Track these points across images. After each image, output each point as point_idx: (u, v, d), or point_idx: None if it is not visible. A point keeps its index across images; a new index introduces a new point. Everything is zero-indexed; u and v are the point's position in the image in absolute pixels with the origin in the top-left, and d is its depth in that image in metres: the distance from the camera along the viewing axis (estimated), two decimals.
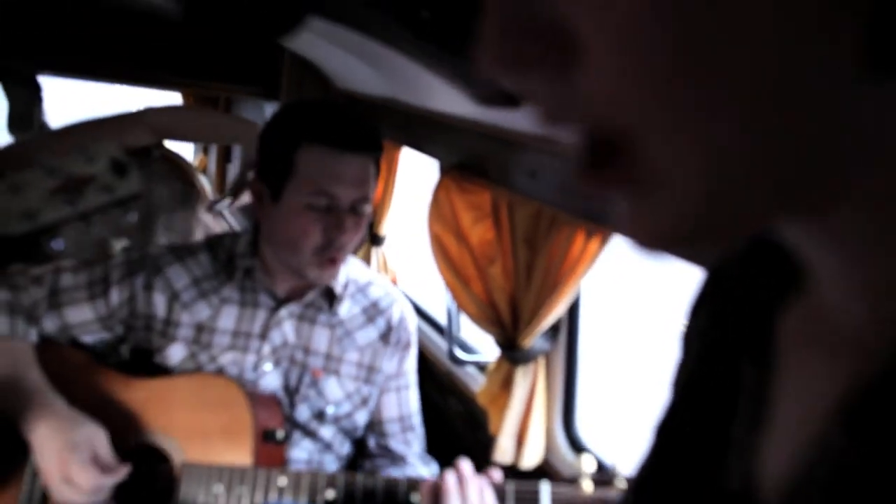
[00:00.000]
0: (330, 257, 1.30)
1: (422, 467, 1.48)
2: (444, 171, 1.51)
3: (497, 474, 1.16)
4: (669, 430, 0.48)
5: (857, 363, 0.32)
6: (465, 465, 1.15)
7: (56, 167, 1.69)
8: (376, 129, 1.32)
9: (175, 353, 1.37)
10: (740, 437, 0.40)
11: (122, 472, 1.20)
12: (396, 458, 1.47)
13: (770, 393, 0.39)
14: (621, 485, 1.13)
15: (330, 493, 1.20)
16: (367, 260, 2.19)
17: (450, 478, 1.13)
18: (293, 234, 1.29)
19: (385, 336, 1.46)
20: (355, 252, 1.64)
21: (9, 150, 1.76)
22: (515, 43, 0.30)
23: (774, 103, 0.26)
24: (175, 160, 1.97)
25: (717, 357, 0.44)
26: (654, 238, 0.31)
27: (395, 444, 1.48)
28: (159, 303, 1.38)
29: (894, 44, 0.24)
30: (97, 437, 1.21)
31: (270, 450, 1.31)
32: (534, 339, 1.37)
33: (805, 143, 0.27)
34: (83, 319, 1.37)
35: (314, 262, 1.31)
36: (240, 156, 2.50)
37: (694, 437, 0.45)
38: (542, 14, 0.29)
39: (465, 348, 1.81)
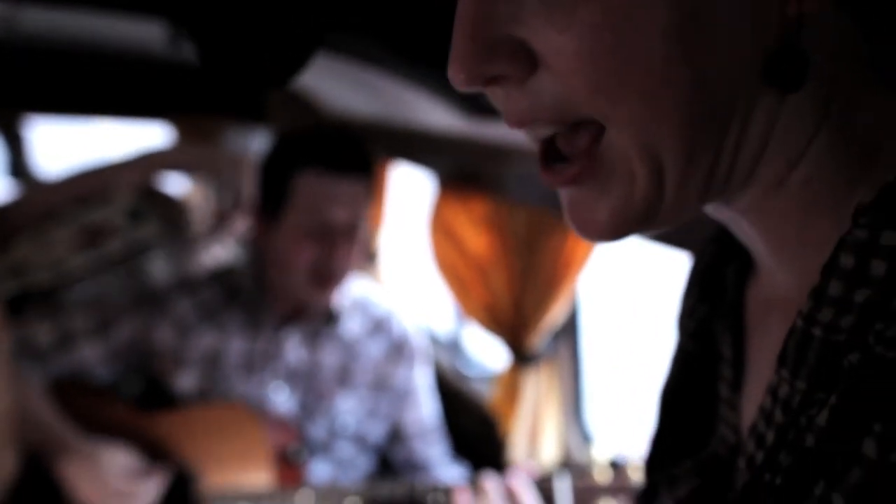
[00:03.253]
0: (326, 278, 1.34)
1: (450, 469, 1.50)
2: (442, 183, 1.54)
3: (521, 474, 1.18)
4: (668, 401, 0.53)
5: (794, 320, 0.37)
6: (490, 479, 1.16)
7: (75, 215, 1.70)
8: (366, 150, 1.37)
9: (187, 382, 1.40)
10: (726, 397, 0.46)
11: (162, 474, 1.26)
12: (422, 467, 1.50)
13: (745, 355, 0.45)
14: (635, 472, 1.17)
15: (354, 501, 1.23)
16: (362, 275, 2.21)
17: (489, 482, 1.13)
18: (290, 257, 1.33)
19: (391, 350, 1.49)
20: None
21: (27, 200, 1.78)
22: (481, 58, 0.35)
23: (699, 104, 0.34)
24: (170, 197, 1.98)
25: (701, 332, 0.50)
26: (609, 223, 0.37)
27: (419, 454, 1.51)
28: (168, 335, 1.40)
29: (787, 68, 0.33)
30: (123, 454, 1.26)
31: (290, 471, 1.33)
32: (540, 339, 1.41)
33: (722, 142, 0.35)
34: (95, 356, 1.39)
35: (311, 284, 1.35)
36: (229, 186, 2.51)
37: (689, 402, 0.50)
38: (504, 33, 0.35)
39: (471, 361, 1.84)
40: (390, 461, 1.52)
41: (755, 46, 0.34)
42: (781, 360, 0.37)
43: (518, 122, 0.37)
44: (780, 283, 0.42)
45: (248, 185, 1.75)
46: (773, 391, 0.38)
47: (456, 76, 0.36)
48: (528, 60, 0.35)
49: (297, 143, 1.37)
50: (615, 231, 0.37)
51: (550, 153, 0.37)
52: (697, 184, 0.36)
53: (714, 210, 0.41)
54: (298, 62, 0.50)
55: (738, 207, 0.39)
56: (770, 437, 0.37)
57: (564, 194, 0.39)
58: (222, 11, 0.47)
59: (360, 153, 1.35)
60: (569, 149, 0.37)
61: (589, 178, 0.36)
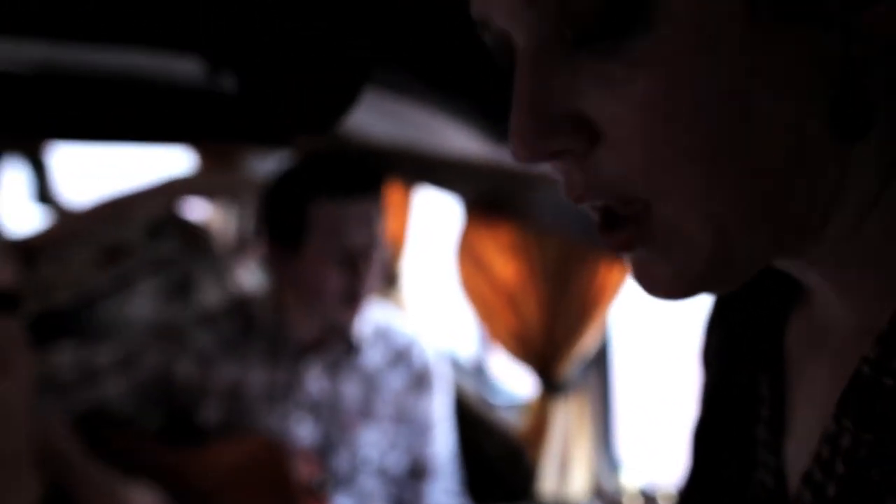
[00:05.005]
0: (354, 299, 1.35)
1: None
2: (469, 210, 1.53)
3: None
4: (702, 441, 0.52)
5: (852, 366, 0.36)
6: None
7: (95, 235, 1.71)
8: (378, 168, 1.38)
9: (210, 415, 1.39)
10: (765, 439, 0.44)
11: None
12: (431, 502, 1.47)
13: (786, 397, 0.44)
14: (665, 500, 1.16)
15: None
16: (385, 301, 2.20)
17: None
18: (317, 285, 1.33)
19: (412, 381, 1.47)
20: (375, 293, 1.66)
21: (53, 228, 1.79)
22: (544, 134, 0.35)
23: (765, 168, 0.33)
24: (193, 224, 1.99)
25: (734, 370, 0.49)
26: (670, 285, 0.36)
27: (431, 489, 1.48)
28: (190, 369, 1.40)
29: (853, 118, 0.32)
30: (149, 493, 1.25)
31: (313, 503, 1.32)
32: (570, 368, 1.39)
33: (790, 200, 0.34)
34: (118, 391, 1.39)
35: (339, 308, 1.35)
36: (251, 211, 2.52)
37: (723, 443, 0.49)
38: (564, 107, 0.34)
39: (496, 389, 1.82)
40: (406, 496, 1.50)
41: (818, 96, 0.32)
42: (842, 408, 0.36)
43: (576, 198, 0.37)
44: (836, 326, 0.40)
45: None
46: (831, 440, 0.36)
47: (518, 152, 0.35)
48: (589, 134, 0.34)
49: (308, 171, 1.37)
50: (681, 291, 0.36)
51: (608, 217, 0.37)
52: (765, 242, 0.35)
53: (780, 262, 0.40)
54: (344, 106, 0.49)
55: (807, 260, 0.38)
56: (832, 490, 0.36)
57: (629, 257, 0.38)
58: (271, 60, 0.47)
59: (368, 172, 1.36)
60: (624, 212, 0.36)
61: (646, 243, 0.36)
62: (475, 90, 1.04)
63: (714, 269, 0.35)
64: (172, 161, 2.79)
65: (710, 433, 0.51)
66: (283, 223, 1.37)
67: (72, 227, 1.73)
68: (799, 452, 0.42)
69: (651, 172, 0.33)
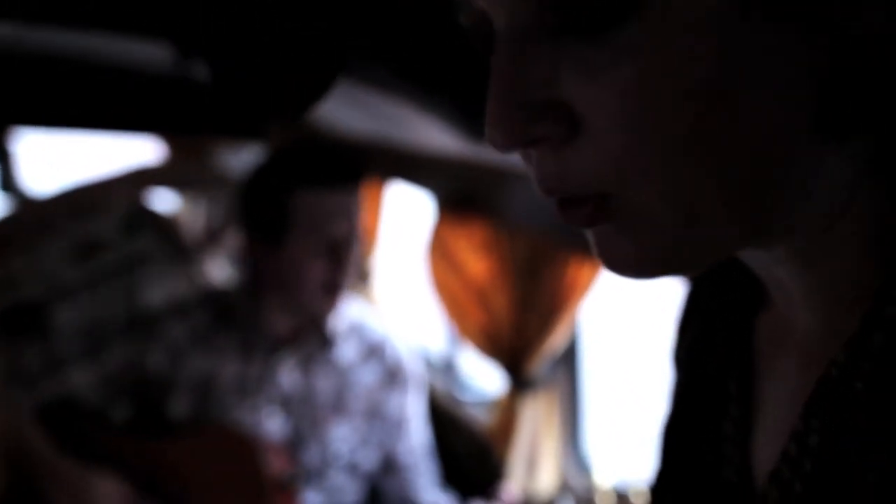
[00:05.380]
0: (335, 290, 1.34)
1: (438, 498, 1.48)
2: (441, 206, 1.53)
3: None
4: (671, 438, 0.52)
5: (818, 366, 0.36)
6: None
7: (68, 228, 1.68)
8: (358, 161, 1.37)
9: (180, 407, 1.37)
10: (732, 436, 0.44)
11: None
12: (411, 497, 1.47)
13: (754, 395, 0.44)
14: (637, 497, 1.17)
15: None
16: (356, 296, 2.19)
17: None
18: (299, 277, 1.33)
19: (385, 377, 1.46)
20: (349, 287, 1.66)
21: (18, 215, 1.75)
22: (522, 120, 0.34)
23: (742, 160, 0.33)
24: (163, 215, 1.97)
25: (704, 367, 0.49)
26: (633, 263, 0.36)
27: (409, 484, 1.48)
28: (161, 359, 1.38)
29: (836, 120, 0.32)
30: (115, 483, 1.24)
31: (283, 498, 1.31)
32: (540, 365, 1.39)
33: (763, 192, 0.34)
34: (86, 382, 1.37)
35: (319, 300, 1.35)
36: (219, 203, 2.49)
37: (692, 440, 0.49)
38: (542, 93, 0.34)
39: (465, 386, 1.82)
40: (379, 491, 1.50)
41: (802, 95, 0.32)
42: (810, 408, 0.36)
43: (547, 191, 0.36)
44: (803, 326, 0.41)
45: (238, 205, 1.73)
46: (799, 439, 0.37)
47: (495, 138, 0.34)
48: (569, 121, 0.34)
49: (286, 164, 1.36)
50: (644, 270, 0.36)
51: (572, 201, 0.36)
52: (733, 231, 0.35)
53: (747, 257, 0.40)
54: (320, 90, 0.49)
55: (775, 256, 0.38)
56: (798, 487, 0.36)
57: (591, 232, 0.37)
58: (243, 43, 0.46)
59: (348, 164, 1.36)
60: (593, 197, 0.35)
61: (610, 219, 0.35)
62: (450, 84, 1.04)
63: (678, 253, 0.35)
64: (142, 153, 2.75)
65: (679, 430, 0.51)
66: (262, 216, 1.35)
67: (37, 216, 1.69)
68: (765, 450, 0.42)
69: (628, 161, 0.33)
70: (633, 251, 0.35)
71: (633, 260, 0.36)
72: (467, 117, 1.16)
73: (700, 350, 0.49)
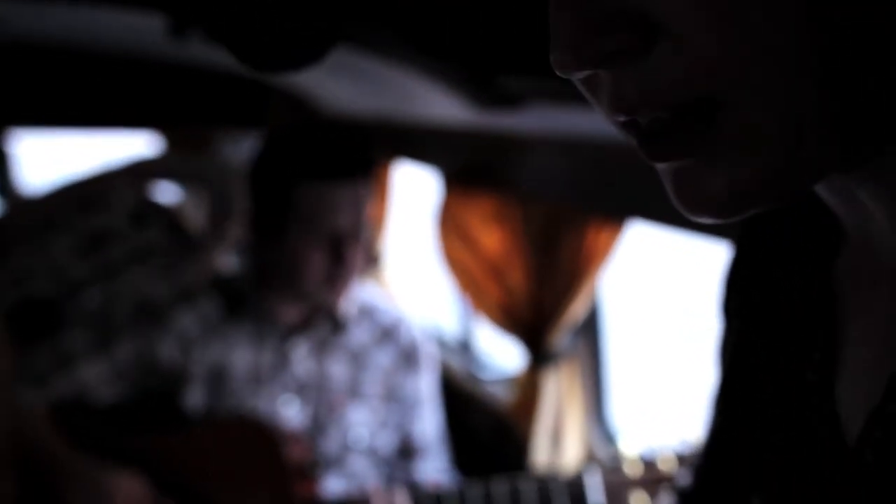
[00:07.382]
0: (339, 281, 1.32)
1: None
2: (450, 180, 1.49)
3: None
4: (732, 391, 0.49)
5: None
6: None
7: (75, 222, 1.66)
8: (365, 150, 1.34)
9: (195, 399, 1.35)
10: (816, 383, 0.41)
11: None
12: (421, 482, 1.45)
13: (836, 341, 0.41)
14: (665, 464, 1.15)
15: None
16: (366, 280, 2.17)
17: None
18: (300, 268, 1.30)
19: (400, 358, 1.45)
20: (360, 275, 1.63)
21: (21, 210, 1.72)
22: (597, 33, 0.30)
23: (845, 73, 0.29)
24: (168, 207, 1.94)
25: (774, 318, 0.45)
26: (723, 198, 0.32)
27: (421, 468, 1.46)
28: (172, 350, 1.36)
29: None
30: (132, 480, 1.22)
31: (304, 486, 1.29)
32: (560, 337, 1.36)
33: (869, 101, 0.30)
34: (96, 376, 1.35)
35: (322, 291, 1.32)
36: (221, 195, 2.46)
37: (763, 392, 0.45)
38: (614, 5, 0.30)
39: (483, 363, 1.80)
40: (391, 476, 1.47)
41: None
42: None
43: (628, 109, 0.32)
44: (888, 252, 0.37)
45: (240, 196, 1.70)
46: None
47: (565, 58, 0.30)
48: (649, 30, 0.30)
49: (291, 152, 1.33)
50: (734, 205, 0.32)
51: (654, 124, 0.32)
52: (835, 152, 0.31)
53: (838, 177, 0.36)
54: (320, 49, 0.45)
55: (860, 176, 0.35)
56: None
57: (667, 167, 0.33)
58: (238, 7, 0.42)
59: (355, 154, 1.32)
60: (677, 122, 0.32)
61: (704, 150, 0.31)
62: (456, 47, 1.00)
63: (780, 181, 0.31)
64: (139, 148, 2.72)
65: (743, 383, 0.48)
66: (264, 208, 1.33)
67: (39, 209, 1.67)
68: (853, 393, 0.39)
69: (725, 67, 0.29)
70: (724, 185, 0.31)
71: (725, 194, 0.32)
72: (475, 82, 1.12)
73: (764, 301, 0.46)
